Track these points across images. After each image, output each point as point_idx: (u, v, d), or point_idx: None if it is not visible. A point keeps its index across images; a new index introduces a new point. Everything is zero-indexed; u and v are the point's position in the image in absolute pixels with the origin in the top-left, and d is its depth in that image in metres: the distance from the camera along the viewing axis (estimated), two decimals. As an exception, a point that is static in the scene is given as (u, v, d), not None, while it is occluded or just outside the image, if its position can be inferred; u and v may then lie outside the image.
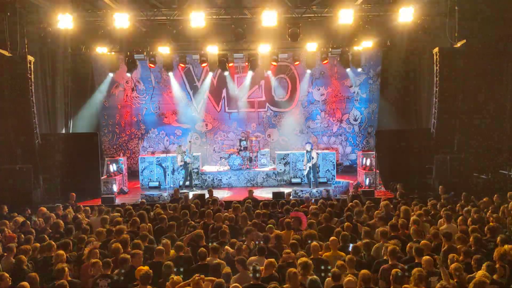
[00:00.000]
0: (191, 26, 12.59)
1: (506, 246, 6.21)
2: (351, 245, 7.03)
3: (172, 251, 6.97)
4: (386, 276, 5.69)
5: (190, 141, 16.02)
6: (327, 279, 5.81)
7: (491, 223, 7.73)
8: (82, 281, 6.30)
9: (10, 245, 7.04)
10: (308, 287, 5.41)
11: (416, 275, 5.35)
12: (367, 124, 18.90)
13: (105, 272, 6.05)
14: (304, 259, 5.93)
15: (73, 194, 11.54)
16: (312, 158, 14.57)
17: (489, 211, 8.76)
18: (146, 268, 5.92)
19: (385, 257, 6.33)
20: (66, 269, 5.94)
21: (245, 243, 7.32)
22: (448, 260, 5.98)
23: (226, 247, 6.99)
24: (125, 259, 6.20)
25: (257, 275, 5.66)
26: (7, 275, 5.70)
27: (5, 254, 6.92)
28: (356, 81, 18.66)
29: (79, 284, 6.16)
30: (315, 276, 5.59)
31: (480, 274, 5.36)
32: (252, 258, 6.62)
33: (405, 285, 5.40)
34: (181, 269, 6.29)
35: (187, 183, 15.13)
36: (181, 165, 15.11)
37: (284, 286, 5.53)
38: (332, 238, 7.03)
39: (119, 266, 6.19)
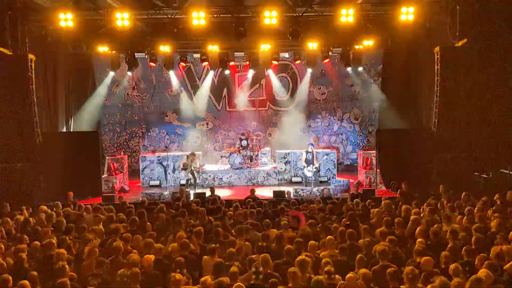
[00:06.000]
0: (192, 24, 12.59)
1: (504, 247, 6.20)
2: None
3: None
4: (378, 277, 5.66)
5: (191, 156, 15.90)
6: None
7: (491, 223, 7.73)
8: (82, 279, 6.30)
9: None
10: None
11: (410, 275, 5.35)
12: (368, 123, 18.89)
13: (97, 271, 6.04)
14: (301, 257, 5.93)
15: (71, 192, 11.57)
16: (314, 163, 14.53)
17: (490, 210, 8.76)
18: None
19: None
20: (68, 267, 5.95)
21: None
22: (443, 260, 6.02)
23: None
24: (133, 259, 6.17)
25: (259, 275, 5.67)
26: (10, 277, 5.68)
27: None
28: (357, 80, 18.65)
29: (79, 283, 6.16)
30: (319, 277, 5.57)
31: (482, 272, 5.32)
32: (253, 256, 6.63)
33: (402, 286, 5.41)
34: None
35: (191, 181, 15.14)
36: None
37: (289, 285, 5.52)
38: (329, 237, 7.03)
39: (123, 266, 6.17)
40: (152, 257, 6.34)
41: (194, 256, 6.79)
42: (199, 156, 16.03)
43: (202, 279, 5.63)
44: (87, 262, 6.48)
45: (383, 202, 9.56)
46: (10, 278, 5.64)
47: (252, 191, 11.69)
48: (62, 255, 6.37)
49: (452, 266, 5.63)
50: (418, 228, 7.47)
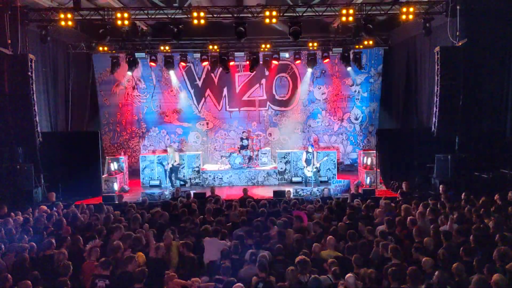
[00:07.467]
0: (192, 24, 12.60)
1: (506, 247, 6.19)
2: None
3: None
4: (398, 276, 5.57)
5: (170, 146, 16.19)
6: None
7: (489, 223, 7.72)
8: (83, 279, 6.30)
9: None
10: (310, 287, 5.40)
11: (412, 274, 5.35)
12: (368, 123, 18.90)
13: (103, 272, 5.96)
14: (301, 257, 5.94)
15: (53, 193, 11.64)
16: (315, 163, 14.52)
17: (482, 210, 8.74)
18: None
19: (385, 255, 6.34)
20: (71, 267, 5.95)
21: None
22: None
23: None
24: (130, 258, 6.15)
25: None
26: (10, 276, 5.68)
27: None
28: (357, 80, 18.67)
29: (80, 282, 6.16)
30: (317, 276, 5.59)
31: (496, 277, 5.28)
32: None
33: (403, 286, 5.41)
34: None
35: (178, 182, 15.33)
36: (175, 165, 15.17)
37: (283, 284, 5.54)
38: (329, 237, 7.05)
39: (119, 266, 6.16)
40: (142, 255, 6.38)
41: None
42: (174, 150, 15.98)
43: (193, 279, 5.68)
44: (88, 261, 6.48)
45: (382, 202, 9.54)
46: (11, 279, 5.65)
47: (245, 190, 11.73)
48: (64, 255, 6.38)
49: (454, 265, 5.64)
50: (414, 229, 7.50)
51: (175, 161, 15.19)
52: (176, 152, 15.56)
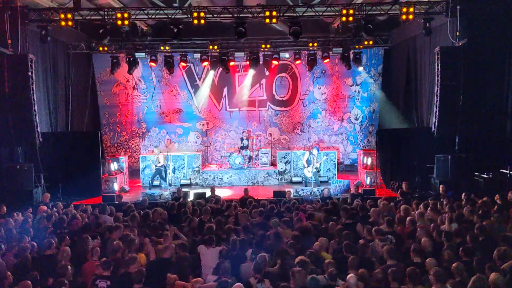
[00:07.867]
0: (192, 24, 12.61)
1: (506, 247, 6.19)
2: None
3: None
4: (397, 276, 5.56)
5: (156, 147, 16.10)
6: None
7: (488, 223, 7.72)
8: (84, 279, 6.30)
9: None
10: (308, 287, 5.41)
11: (412, 274, 5.35)
12: (368, 123, 18.91)
13: (104, 273, 5.95)
14: (302, 257, 5.94)
15: (47, 194, 11.72)
16: (315, 164, 14.50)
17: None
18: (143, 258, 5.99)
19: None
20: (69, 267, 5.95)
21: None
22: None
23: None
24: (132, 259, 6.12)
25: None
26: (9, 274, 5.69)
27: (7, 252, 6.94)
28: (357, 80, 18.68)
29: (81, 283, 6.16)
30: (314, 275, 5.59)
31: (493, 276, 5.29)
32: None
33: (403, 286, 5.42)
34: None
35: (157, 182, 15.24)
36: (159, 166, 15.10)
37: (286, 284, 5.53)
38: (321, 238, 7.06)
39: (122, 267, 6.15)
40: (143, 256, 6.38)
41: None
42: (160, 151, 15.83)
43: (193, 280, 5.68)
44: (89, 262, 6.48)
45: (380, 202, 9.52)
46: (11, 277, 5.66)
47: (246, 191, 11.73)
48: (66, 255, 6.38)
49: (454, 265, 5.64)
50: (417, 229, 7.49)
51: (159, 162, 15.08)
52: (161, 153, 15.44)
